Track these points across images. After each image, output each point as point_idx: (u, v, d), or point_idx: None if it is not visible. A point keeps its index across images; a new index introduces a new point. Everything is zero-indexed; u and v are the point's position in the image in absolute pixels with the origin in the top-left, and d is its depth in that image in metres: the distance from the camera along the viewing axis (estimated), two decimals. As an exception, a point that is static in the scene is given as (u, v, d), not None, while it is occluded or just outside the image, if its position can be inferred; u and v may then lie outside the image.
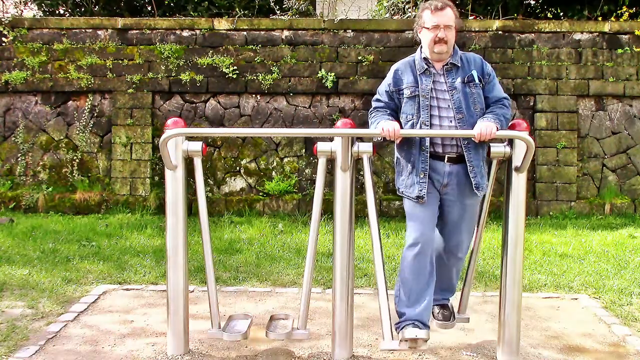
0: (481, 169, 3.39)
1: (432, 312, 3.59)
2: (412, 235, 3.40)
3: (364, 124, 3.59)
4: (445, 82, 3.39)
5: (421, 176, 3.36)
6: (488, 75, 3.45)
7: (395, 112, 3.49)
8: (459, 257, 3.57)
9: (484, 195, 3.44)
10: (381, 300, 3.15)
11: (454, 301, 3.78)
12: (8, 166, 8.36)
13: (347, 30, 8.29)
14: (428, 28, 3.35)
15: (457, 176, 3.38)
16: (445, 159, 3.36)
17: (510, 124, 3.39)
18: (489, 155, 3.34)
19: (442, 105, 3.37)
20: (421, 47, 3.47)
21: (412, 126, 3.39)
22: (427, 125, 3.34)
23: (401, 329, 3.34)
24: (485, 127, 3.20)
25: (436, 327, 3.64)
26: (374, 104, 3.57)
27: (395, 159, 3.57)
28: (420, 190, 3.36)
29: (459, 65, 3.41)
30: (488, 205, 3.45)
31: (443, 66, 3.40)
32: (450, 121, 3.35)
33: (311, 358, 3.50)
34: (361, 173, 3.48)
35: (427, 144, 3.35)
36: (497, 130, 3.24)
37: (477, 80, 3.39)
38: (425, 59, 3.43)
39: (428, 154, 3.35)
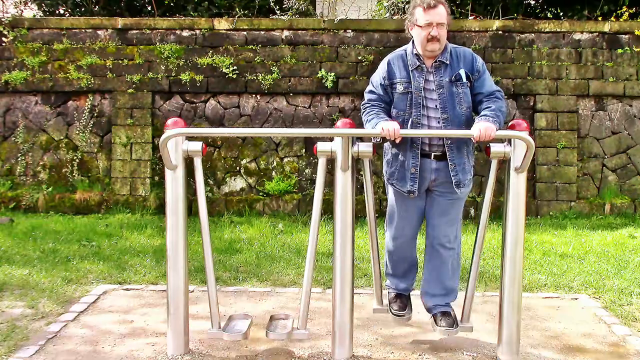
0: (463, 166, 3.45)
1: (434, 319, 3.58)
2: (391, 229, 3.67)
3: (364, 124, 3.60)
4: (434, 80, 3.42)
5: (412, 171, 3.44)
6: (478, 72, 3.46)
7: (388, 105, 3.53)
8: (448, 247, 3.58)
9: (484, 196, 3.45)
10: (375, 273, 3.65)
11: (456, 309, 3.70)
12: (8, 166, 8.36)
13: (347, 30, 8.29)
14: (421, 26, 3.36)
15: (444, 170, 3.45)
16: (432, 157, 3.44)
17: (510, 124, 3.39)
18: (489, 155, 3.35)
19: (429, 105, 3.42)
20: (413, 41, 3.49)
21: (404, 122, 3.44)
22: (419, 125, 3.41)
23: (390, 299, 3.79)
24: (484, 128, 3.21)
25: (439, 334, 3.59)
26: (367, 96, 3.58)
27: (384, 149, 3.62)
28: (412, 185, 3.46)
29: (448, 63, 3.43)
30: (490, 205, 3.43)
31: (432, 64, 3.42)
32: (438, 122, 3.41)
33: (311, 358, 3.50)
34: (361, 173, 3.48)
35: (419, 142, 3.43)
36: (497, 130, 3.26)
37: (464, 79, 3.42)
38: (416, 55, 3.45)
39: (419, 151, 3.43)
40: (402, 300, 3.77)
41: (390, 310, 3.72)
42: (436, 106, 3.40)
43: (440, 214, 3.54)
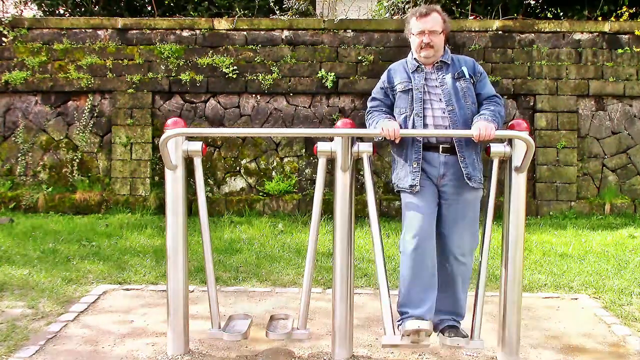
0: (473, 160, 3.40)
1: (442, 332, 3.41)
2: (409, 230, 3.35)
3: (364, 124, 3.61)
4: (436, 78, 3.45)
5: (414, 166, 3.38)
6: (479, 74, 3.50)
7: (391, 109, 3.54)
8: (461, 261, 3.42)
9: (487, 200, 3.40)
10: (382, 294, 3.14)
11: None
12: (8, 166, 8.36)
13: (347, 30, 8.29)
14: (414, 34, 3.45)
15: (454, 166, 3.38)
16: (440, 150, 3.38)
17: (510, 124, 3.40)
18: (489, 155, 3.35)
19: (433, 99, 3.42)
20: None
21: (406, 119, 3.43)
22: (421, 117, 3.39)
23: (402, 324, 3.25)
24: (484, 127, 3.21)
25: (449, 343, 3.31)
26: (369, 104, 3.61)
27: (392, 155, 3.60)
28: (413, 179, 3.38)
29: (449, 63, 3.48)
30: (493, 209, 3.34)
31: (434, 64, 3.47)
32: (443, 112, 3.39)
33: (311, 358, 3.51)
34: (361, 173, 3.48)
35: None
36: (496, 129, 3.26)
37: (467, 76, 3.45)
38: (415, 59, 3.51)
39: (421, 145, 3.38)
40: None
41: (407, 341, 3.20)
42: (440, 99, 3.40)
43: (452, 220, 3.41)
